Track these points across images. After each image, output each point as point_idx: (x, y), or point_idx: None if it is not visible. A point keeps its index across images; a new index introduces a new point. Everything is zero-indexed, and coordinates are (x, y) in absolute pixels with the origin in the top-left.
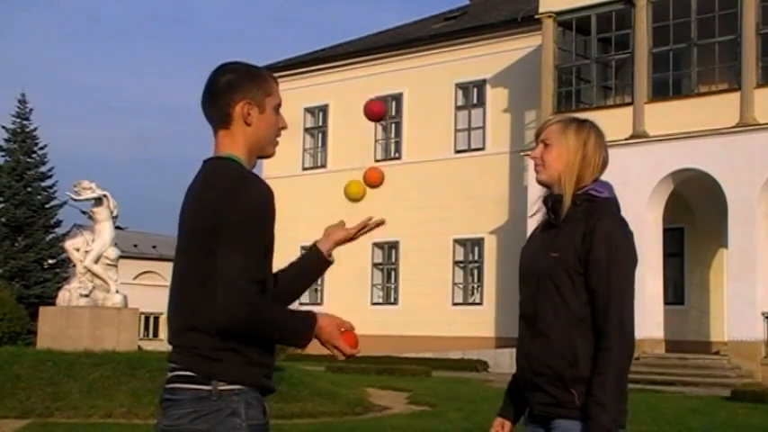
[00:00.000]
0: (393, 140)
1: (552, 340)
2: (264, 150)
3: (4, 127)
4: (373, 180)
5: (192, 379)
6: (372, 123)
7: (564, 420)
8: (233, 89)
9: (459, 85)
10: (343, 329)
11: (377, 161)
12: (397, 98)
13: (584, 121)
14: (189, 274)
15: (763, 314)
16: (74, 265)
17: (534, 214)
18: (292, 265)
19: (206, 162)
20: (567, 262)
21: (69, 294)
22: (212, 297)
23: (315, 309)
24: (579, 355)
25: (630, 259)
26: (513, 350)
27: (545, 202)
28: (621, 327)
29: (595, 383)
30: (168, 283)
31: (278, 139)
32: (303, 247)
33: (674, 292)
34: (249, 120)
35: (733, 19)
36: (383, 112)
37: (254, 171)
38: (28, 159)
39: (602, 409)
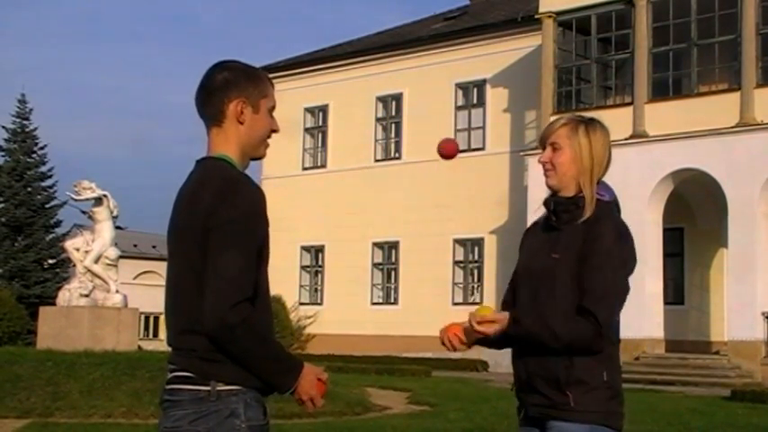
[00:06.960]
0: (393, 140)
1: None
2: (256, 151)
3: (4, 127)
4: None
5: (190, 380)
6: (373, 123)
7: (559, 422)
8: (229, 87)
9: (459, 85)
10: (318, 378)
11: (377, 161)
12: (397, 98)
13: (592, 121)
14: (184, 276)
15: (763, 314)
16: (74, 265)
17: (539, 219)
18: None
19: (199, 162)
20: (568, 264)
21: (69, 294)
22: (203, 299)
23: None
24: (575, 356)
25: (625, 262)
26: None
27: (546, 204)
28: (605, 324)
29: (544, 319)
30: None
31: (269, 141)
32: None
33: (674, 292)
34: (242, 118)
35: (733, 19)
36: (455, 152)
37: (255, 170)
38: (28, 159)
39: (521, 325)
